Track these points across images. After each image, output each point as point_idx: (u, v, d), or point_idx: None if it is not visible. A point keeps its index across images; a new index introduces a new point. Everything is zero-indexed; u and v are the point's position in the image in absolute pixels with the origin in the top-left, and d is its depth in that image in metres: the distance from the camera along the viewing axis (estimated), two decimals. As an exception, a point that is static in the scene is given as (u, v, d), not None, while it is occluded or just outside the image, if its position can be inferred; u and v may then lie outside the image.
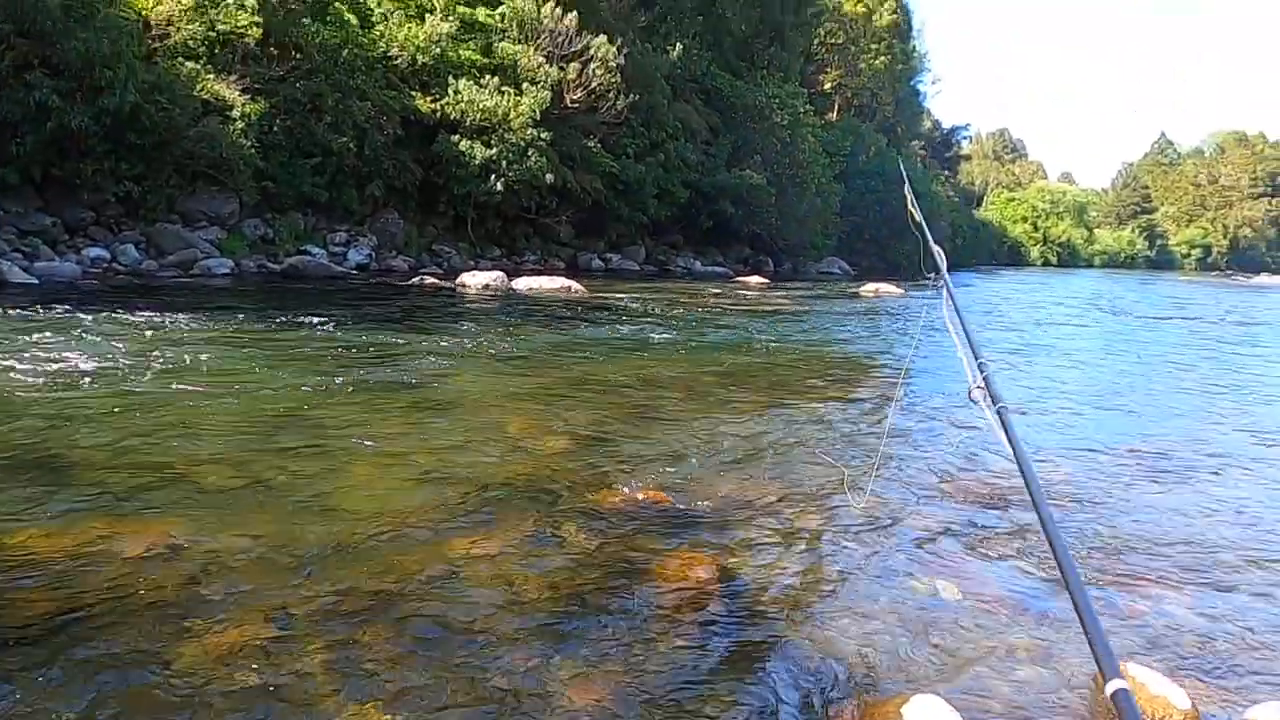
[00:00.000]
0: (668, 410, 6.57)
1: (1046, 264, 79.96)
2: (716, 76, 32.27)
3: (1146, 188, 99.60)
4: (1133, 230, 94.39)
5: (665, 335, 11.05)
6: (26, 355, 6.72)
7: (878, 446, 5.73)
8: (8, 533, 3.43)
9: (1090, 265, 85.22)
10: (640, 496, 4.39)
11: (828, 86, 47.79)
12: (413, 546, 3.61)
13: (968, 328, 2.11)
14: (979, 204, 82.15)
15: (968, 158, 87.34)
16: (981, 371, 1.86)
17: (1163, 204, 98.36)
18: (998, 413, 1.70)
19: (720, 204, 29.52)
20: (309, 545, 3.53)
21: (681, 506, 4.30)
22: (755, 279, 25.28)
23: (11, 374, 6.09)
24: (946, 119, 73.95)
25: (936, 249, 2.39)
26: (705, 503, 4.39)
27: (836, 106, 47.88)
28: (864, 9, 50.31)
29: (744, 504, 4.43)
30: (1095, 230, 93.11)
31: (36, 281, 11.49)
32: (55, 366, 6.43)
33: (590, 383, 7.56)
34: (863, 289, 23.08)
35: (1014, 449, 1.61)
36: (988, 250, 67.41)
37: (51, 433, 4.80)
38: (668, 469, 4.91)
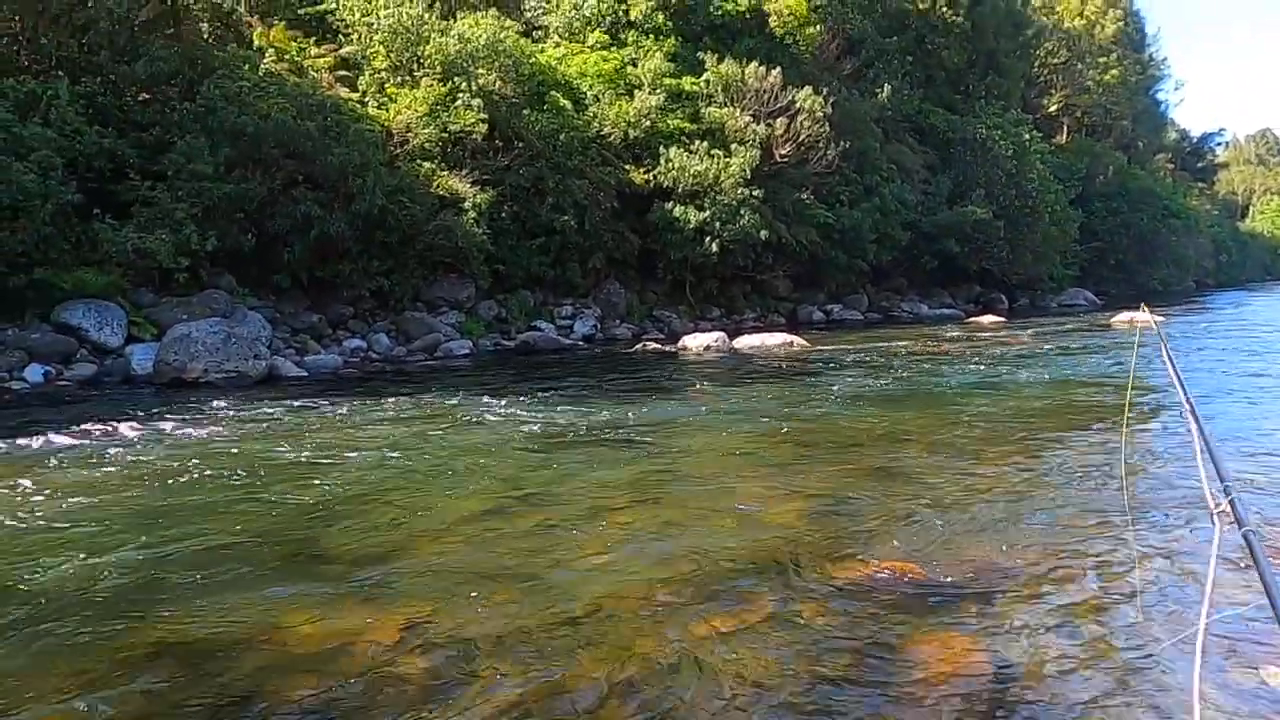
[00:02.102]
0: (909, 468, 6.15)
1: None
2: (930, 113, 31.24)
3: None
4: None
5: (896, 386, 10.52)
6: (290, 444, 7.36)
7: (1153, 504, 5.03)
8: (279, 621, 3.65)
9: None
10: (886, 568, 4.06)
11: (1053, 108, 44.81)
12: (646, 629, 3.49)
13: (1212, 444, 1.80)
14: (1244, 215, 73.76)
15: (1225, 165, 78.83)
16: (1227, 494, 1.58)
17: None
18: (1245, 537, 1.44)
19: (944, 243, 28.23)
20: (546, 629, 3.50)
21: (934, 578, 3.93)
22: (988, 318, 23.85)
23: (278, 463, 6.66)
24: (1196, 127, 67.24)
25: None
26: (961, 574, 3.99)
27: (1065, 128, 44.74)
28: (1085, 23, 47.10)
29: (1006, 574, 3.99)
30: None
31: (306, 374, 12.72)
32: (314, 454, 6.98)
33: (821, 443, 7.26)
34: (1114, 319, 21.10)
35: (1264, 579, 1.35)
36: (1259, 265, 60.38)
37: (314, 519, 5.15)
38: (915, 536, 4.54)
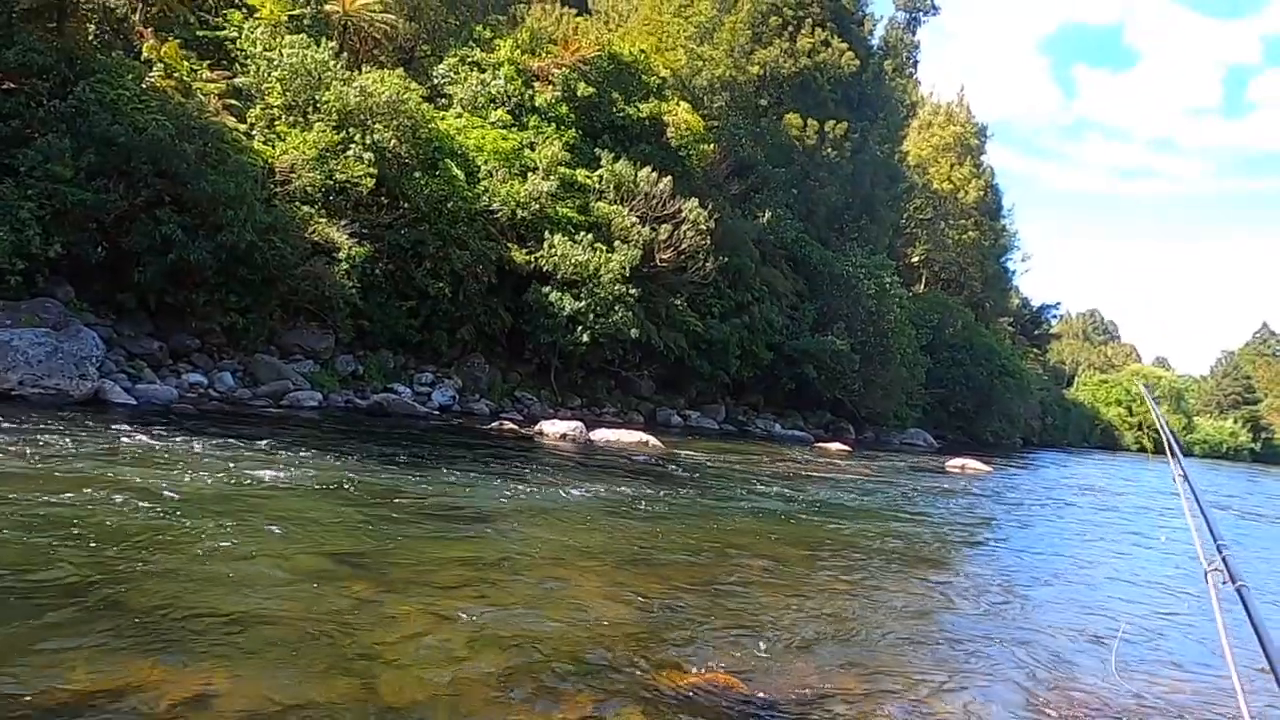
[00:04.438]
0: (742, 583, 6.21)
1: (1142, 449, 76.99)
2: (806, 244, 32.84)
3: (1249, 378, 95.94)
4: (1235, 421, 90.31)
5: (742, 500, 10.70)
6: (101, 479, 6.79)
7: (974, 639, 5.24)
8: (56, 666, 3.30)
9: (1189, 454, 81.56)
10: (710, 680, 4.04)
11: (915, 259, 48.13)
12: (457, 716, 3.32)
13: (1204, 506, 1.96)
14: (1070, 384, 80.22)
15: (1058, 337, 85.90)
16: (1220, 551, 1.69)
17: (1266, 395, 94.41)
18: (1239, 591, 1.53)
19: (803, 367, 29.37)
20: (350, 705, 3.28)
21: (755, 694, 3.93)
22: (836, 445, 24.75)
23: (82, 496, 6.12)
24: (1036, 297, 73.07)
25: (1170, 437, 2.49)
26: (780, 692, 4.01)
27: (924, 279, 48.04)
28: (951, 187, 51.17)
29: (822, 695, 4.03)
30: (1194, 418, 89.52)
31: (135, 402, 11.88)
32: (123, 492, 6.46)
33: (661, 546, 7.25)
34: (949, 463, 22.30)
35: (1258, 632, 1.40)
36: (1079, 431, 65.30)
37: (113, 559, 4.72)
38: (740, 650, 4.55)
